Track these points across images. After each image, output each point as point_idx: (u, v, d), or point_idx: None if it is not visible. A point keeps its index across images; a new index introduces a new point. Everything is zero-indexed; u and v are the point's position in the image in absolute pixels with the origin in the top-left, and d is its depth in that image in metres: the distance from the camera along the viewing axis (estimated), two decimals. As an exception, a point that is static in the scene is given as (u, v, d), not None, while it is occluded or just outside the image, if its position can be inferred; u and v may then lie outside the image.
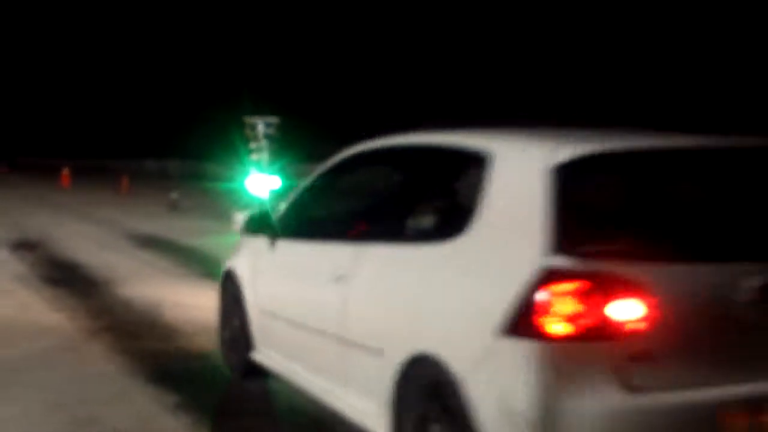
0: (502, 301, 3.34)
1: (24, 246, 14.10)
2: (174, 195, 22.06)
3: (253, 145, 18.25)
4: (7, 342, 7.28)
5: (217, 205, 22.29)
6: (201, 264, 11.75)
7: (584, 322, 3.21)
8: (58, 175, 37.72)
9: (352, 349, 4.39)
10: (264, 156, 18.12)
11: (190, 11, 68.21)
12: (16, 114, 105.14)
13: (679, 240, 3.48)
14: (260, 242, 5.67)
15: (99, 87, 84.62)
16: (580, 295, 3.21)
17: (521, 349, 3.25)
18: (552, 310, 3.22)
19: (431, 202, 4.28)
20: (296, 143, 19.97)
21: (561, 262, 3.26)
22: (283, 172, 18.39)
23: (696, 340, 3.34)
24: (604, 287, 3.23)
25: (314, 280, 4.85)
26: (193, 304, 8.86)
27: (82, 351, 7.02)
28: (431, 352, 3.67)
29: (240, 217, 10.66)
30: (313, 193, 5.43)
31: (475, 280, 3.59)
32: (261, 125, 18.17)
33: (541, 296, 3.24)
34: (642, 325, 3.25)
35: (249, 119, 18.25)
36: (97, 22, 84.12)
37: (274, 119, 18.32)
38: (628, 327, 3.24)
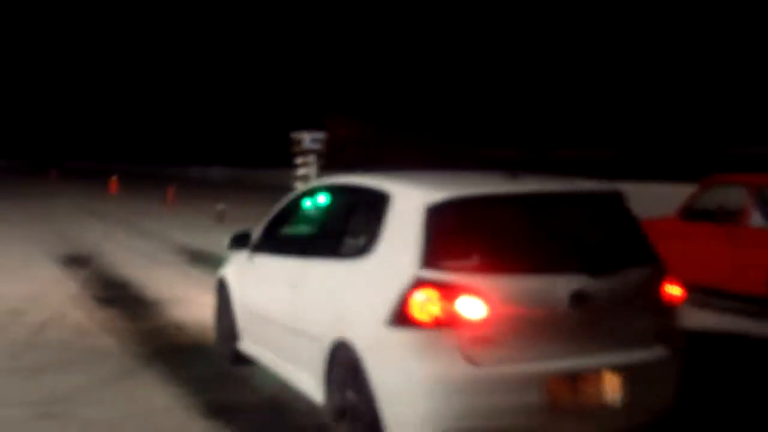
0: (389, 301, 4.82)
1: (76, 261, 14.26)
2: (221, 206, 22.13)
3: (299, 160, 18.26)
4: (63, 370, 7.33)
5: (264, 217, 22.32)
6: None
7: (441, 315, 4.69)
8: (105, 182, 38.18)
9: (300, 338, 5.89)
10: (311, 171, 18.15)
11: (239, 18, 68.66)
12: (65, 118, 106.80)
13: (512, 258, 4.95)
14: (243, 255, 7.24)
15: (145, 92, 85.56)
16: (438, 297, 4.70)
17: (399, 335, 4.75)
18: (419, 307, 4.72)
19: (354, 228, 5.69)
20: (344, 156, 20.11)
21: (427, 273, 4.79)
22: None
23: (524, 329, 4.80)
24: (454, 291, 4.71)
25: (277, 286, 6.41)
26: None
27: (136, 380, 7.05)
28: (347, 339, 5.15)
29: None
30: (279, 218, 6.97)
31: (374, 287, 5.05)
32: (308, 140, 18.18)
33: (412, 297, 4.74)
34: (482, 318, 4.70)
35: (295, 134, 18.28)
36: (148, 29, 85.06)
37: (320, 134, 18.32)
38: (471, 319, 4.69)
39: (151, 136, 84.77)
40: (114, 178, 36.49)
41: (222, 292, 7.67)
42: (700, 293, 10.43)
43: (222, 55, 70.98)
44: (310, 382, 5.78)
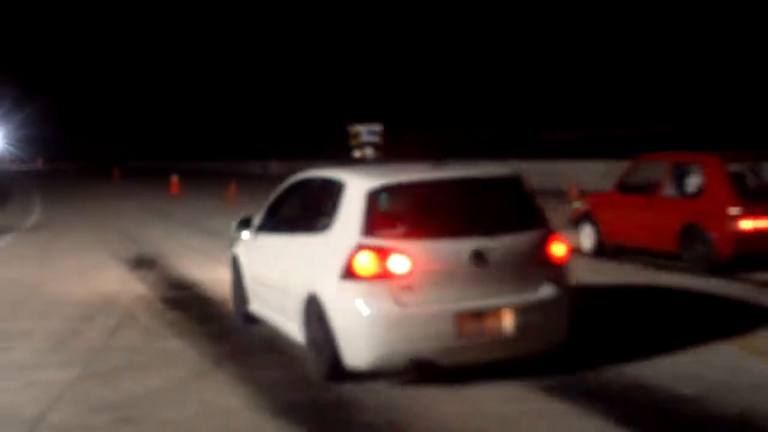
0: (341, 261, 6.69)
1: (142, 263, 14.57)
2: None
3: (356, 153, 18.25)
4: (136, 375, 7.54)
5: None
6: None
7: (377, 270, 6.58)
8: (166, 181, 38.75)
9: (286, 295, 7.72)
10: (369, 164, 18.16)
11: (293, 17, 68.94)
12: (124, 117, 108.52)
13: (429, 227, 6.87)
14: (249, 236, 9.06)
15: (202, 89, 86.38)
16: (375, 257, 6.59)
17: (348, 286, 6.65)
18: (361, 264, 6.60)
19: (324, 209, 7.45)
20: (402, 149, 20.07)
21: (366, 240, 6.67)
22: None
23: (439, 279, 6.65)
24: (386, 252, 6.59)
25: (272, 257, 8.36)
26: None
27: (208, 381, 7.22)
28: (315, 292, 7.05)
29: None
30: (275, 204, 8.81)
31: (332, 252, 6.89)
32: (364, 132, 18.19)
33: (356, 258, 6.62)
34: (407, 272, 6.58)
35: (352, 127, 18.28)
36: (205, 28, 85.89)
37: (378, 126, 18.31)
38: (399, 273, 6.56)
39: (209, 133, 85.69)
40: (174, 178, 37.01)
41: (235, 266, 9.47)
42: (632, 252, 13.34)
43: (278, 51, 71.38)
44: (294, 328, 7.64)
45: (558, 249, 7.13)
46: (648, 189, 12.92)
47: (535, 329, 6.83)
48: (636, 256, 13.21)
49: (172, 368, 7.63)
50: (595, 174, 26.12)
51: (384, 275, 6.58)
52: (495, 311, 6.71)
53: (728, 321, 8.84)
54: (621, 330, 8.65)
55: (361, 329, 6.58)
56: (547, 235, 7.13)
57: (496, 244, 6.81)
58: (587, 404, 6.27)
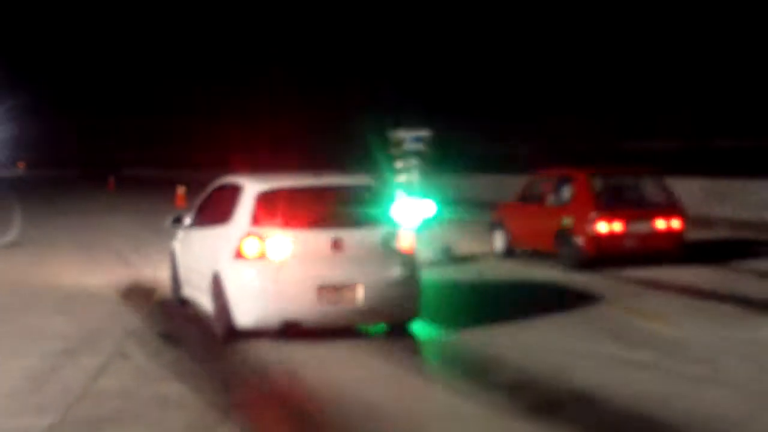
0: (234, 246, 10.39)
1: (136, 291, 14.63)
2: None
3: (399, 164, 18.04)
4: (124, 424, 7.49)
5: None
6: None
7: (259, 252, 10.23)
8: (170, 192, 38.92)
9: (202, 276, 11.29)
10: (413, 177, 17.95)
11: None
12: (126, 116, 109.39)
13: (301, 220, 10.53)
14: (181, 232, 13.01)
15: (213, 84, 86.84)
16: (258, 241, 10.25)
17: (238, 264, 10.34)
18: (247, 247, 10.27)
19: (231, 207, 10.98)
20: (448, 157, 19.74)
21: (252, 229, 10.37)
22: (437, 194, 18.24)
23: (307, 260, 10.23)
24: (265, 237, 10.25)
25: (194, 247, 12.15)
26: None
27: (212, 436, 7.16)
28: (218, 271, 10.65)
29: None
30: (201, 205, 12.64)
31: (229, 238, 10.54)
32: (409, 140, 18.04)
33: (243, 242, 10.30)
34: (282, 254, 10.23)
35: (395, 133, 18.13)
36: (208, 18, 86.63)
37: (425, 132, 18.15)
38: (276, 254, 10.21)
39: (219, 137, 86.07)
40: (181, 190, 37.14)
41: (172, 258, 13.32)
42: (531, 253, 17.99)
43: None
44: (206, 302, 11.20)
45: (404, 241, 10.80)
46: (537, 199, 17.88)
47: (382, 302, 10.41)
48: (533, 257, 17.85)
49: (170, 419, 7.58)
50: (693, 193, 24.90)
51: (265, 256, 10.23)
52: (349, 286, 10.26)
53: (556, 304, 12.99)
54: (480, 309, 12.88)
55: (247, 298, 10.21)
56: (396, 229, 10.82)
57: (352, 235, 10.55)
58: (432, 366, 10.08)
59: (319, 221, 10.63)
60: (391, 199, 11.23)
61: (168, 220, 13.14)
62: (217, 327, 10.69)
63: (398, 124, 18.85)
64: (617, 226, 15.97)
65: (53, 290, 14.76)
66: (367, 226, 10.72)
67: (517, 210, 18.44)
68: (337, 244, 10.30)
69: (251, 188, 10.76)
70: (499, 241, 18.53)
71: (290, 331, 10.19)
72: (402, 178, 18.01)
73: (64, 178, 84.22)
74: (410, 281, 10.61)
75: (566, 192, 16.84)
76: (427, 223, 17.67)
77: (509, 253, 18.23)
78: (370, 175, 13.38)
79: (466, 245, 19.36)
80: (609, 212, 16.00)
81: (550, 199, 17.32)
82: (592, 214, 15.92)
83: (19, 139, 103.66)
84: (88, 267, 17.73)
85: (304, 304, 10.06)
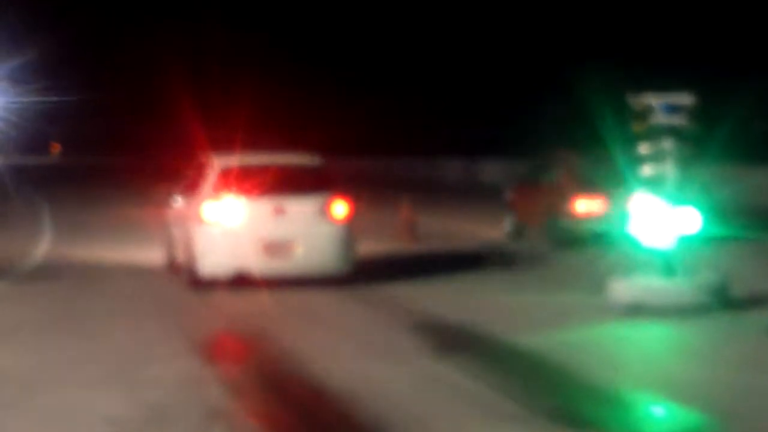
0: (198, 211, 15.85)
1: (225, 349, 12.65)
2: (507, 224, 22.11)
3: (644, 148, 12.27)
4: None
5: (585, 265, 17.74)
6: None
7: (219, 216, 15.57)
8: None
9: (179, 236, 16.92)
10: (668, 169, 12.20)
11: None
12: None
13: (254, 190, 15.63)
14: (174, 202, 17.84)
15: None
16: (217, 207, 15.64)
17: (203, 226, 15.67)
18: (208, 212, 15.69)
19: (206, 180, 16.46)
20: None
21: (214, 197, 15.80)
22: (703, 197, 12.56)
23: (257, 221, 15.61)
24: (223, 205, 15.68)
25: (176, 215, 17.62)
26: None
27: None
28: (188, 233, 16.11)
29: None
30: (185, 179, 18.04)
31: (197, 205, 15.93)
32: (660, 109, 12.08)
33: (205, 206, 15.72)
34: (237, 217, 15.61)
35: (638, 99, 12.20)
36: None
37: (685, 98, 12.19)
38: (233, 217, 15.55)
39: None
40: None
41: (166, 224, 18.32)
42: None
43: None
44: (181, 255, 16.29)
45: (337, 206, 15.24)
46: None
47: (317, 257, 15.05)
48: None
49: None
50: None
51: (223, 219, 15.00)
52: (289, 243, 14.98)
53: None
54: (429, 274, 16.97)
55: (207, 253, 14.98)
56: (332, 196, 15.31)
57: (292, 201, 15.35)
58: (367, 306, 14.16)
59: (266, 191, 15.12)
60: (326, 171, 16.52)
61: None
62: (186, 276, 15.63)
63: (640, 85, 12.92)
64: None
65: (99, 339, 12.08)
66: (306, 193, 15.44)
67: (523, 192, 21.56)
68: (278, 210, 15.14)
69: (217, 165, 15.72)
70: (508, 222, 20.44)
71: (241, 279, 14.92)
72: (648, 170, 12.61)
73: (117, 171, 64.36)
74: (340, 240, 15.13)
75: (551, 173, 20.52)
76: (687, 243, 12.93)
77: (517, 231, 21.06)
78: (314, 156, 16.65)
79: (751, 280, 13.85)
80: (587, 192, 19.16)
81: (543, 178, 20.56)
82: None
83: (55, 113, 67.13)
84: (152, 302, 15.14)
85: (252, 258, 14.77)
